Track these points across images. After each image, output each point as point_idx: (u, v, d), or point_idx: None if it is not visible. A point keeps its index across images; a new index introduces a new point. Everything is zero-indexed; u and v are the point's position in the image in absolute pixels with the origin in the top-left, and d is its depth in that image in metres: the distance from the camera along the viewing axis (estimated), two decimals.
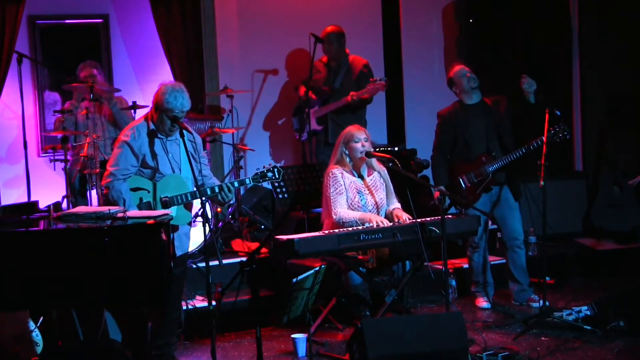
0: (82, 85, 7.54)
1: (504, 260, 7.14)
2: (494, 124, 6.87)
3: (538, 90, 6.64)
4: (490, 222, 7.12)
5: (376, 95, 7.94)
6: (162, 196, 5.56)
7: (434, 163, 7.03)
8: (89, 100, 7.55)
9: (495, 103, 6.92)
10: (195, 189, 5.59)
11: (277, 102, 8.84)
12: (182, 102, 5.51)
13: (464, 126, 6.89)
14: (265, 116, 8.84)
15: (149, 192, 5.55)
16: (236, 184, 5.80)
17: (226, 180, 6.95)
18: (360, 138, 6.34)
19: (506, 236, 6.99)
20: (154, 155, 5.57)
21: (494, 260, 7.31)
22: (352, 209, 6.28)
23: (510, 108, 6.88)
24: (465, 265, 7.26)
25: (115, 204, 5.42)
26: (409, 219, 6.21)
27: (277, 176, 5.80)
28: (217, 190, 5.61)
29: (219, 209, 7.80)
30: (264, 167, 5.82)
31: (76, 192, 7.62)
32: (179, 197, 5.57)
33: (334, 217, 6.24)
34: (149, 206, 5.52)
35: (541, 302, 6.75)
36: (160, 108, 5.53)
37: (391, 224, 6.16)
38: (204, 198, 5.40)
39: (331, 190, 6.30)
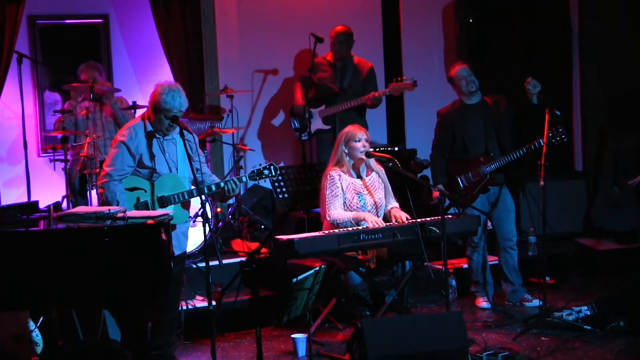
0: (82, 85, 7.55)
1: None
2: (493, 124, 6.87)
3: (541, 92, 6.65)
4: (489, 222, 7.12)
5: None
6: (158, 195, 5.56)
7: (433, 162, 7.04)
8: (89, 100, 7.55)
9: (495, 103, 6.92)
10: (192, 187, 5.60)
11: (277, 102, 8.84)
12: (180, 101, 5.52)
13: (463, 126, 6.89)
14: (265, 116, 8.84)
15: (145, 191, 5.55)
16: (244, 179, 5.79)
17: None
18: (362, 138, 6.35)
19: (500, 237, 6.99)
20: (151, 155, 5.57)
21: (493, 260, 7.31)
22: (350, 210, 6.29)
23: (510, 108, 6.89)
24: (465, 265, 7.26)
25: (109, 204, 5.42)
26: (408, 219, 6.22)
27: (273, 173, 5.80)
28: (222, 184, 5.61)
29: (218, 209, 7.81)
30: (260, 164, 5.82)
31: (76, 192, 7.62)
32: (175, 196, 5.57)
33: (328, 218, 6.27)
34: (146, 206, 5.52)
35: (535, 301, 6.78)
36: (157, 108, 5.53)
37: (387, 223, 6.17)
38: (203, 197, 5.40)
39: (327, 192, 6.31)
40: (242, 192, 8.16)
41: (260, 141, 8.78)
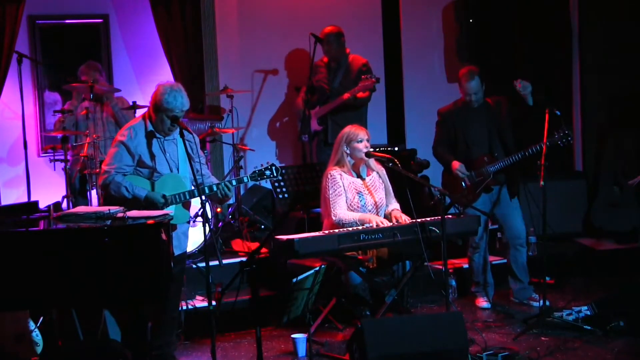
0: (82, 85, 7.55)
1: (505, 260, 7.14)
2: (496, 124, 6.87)
3: (534, 90, 6.64)
4: (490, 222, 7.12)
5: (374, 93, 7.94)
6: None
7: (437, 152, 6.98)
8: (89, 100, 7.55)
9: (497, 104, 6.92)
10: (192, 188, 5.61)
11: (277, 102, 8.84)
12: (182, 101, 5.53)
13: (465, 126, 6.89)
14: (265, 116, 8.84)
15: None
16: (234, 182, 5.81)
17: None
18: (364, 138, 6.34)
19: (508, 234, 6.99)
20: (151, 155, 5.57)
21: (494, 260, 7.31)
22: (351, 210, 6.28)
23: (511, 109, 6.88)
24: (465, 265, 7.26)
25: (116, 197, 5.42)
26: (408, 220, 6.21)
27: (275, 174, 5.80)
28: (215, 188, 5.61)
29: (219, 209, 7.81)
30: (261, 165, 5.83)
31: (76, 192, 7.62)
32: (176, 196, 5.57)
33: (334, 218, 6.24)
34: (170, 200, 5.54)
35: (541, 301, 6.77)
36: (159, 108, 5.53)
37: (390, 224, 6.17)
38: (203, 197, 5.40)
39: (330, 192, 6.29)
40: (242, 192, 8.16)
41: (260, 141, 8.78)
